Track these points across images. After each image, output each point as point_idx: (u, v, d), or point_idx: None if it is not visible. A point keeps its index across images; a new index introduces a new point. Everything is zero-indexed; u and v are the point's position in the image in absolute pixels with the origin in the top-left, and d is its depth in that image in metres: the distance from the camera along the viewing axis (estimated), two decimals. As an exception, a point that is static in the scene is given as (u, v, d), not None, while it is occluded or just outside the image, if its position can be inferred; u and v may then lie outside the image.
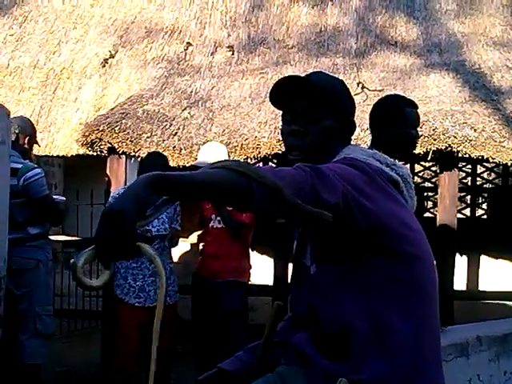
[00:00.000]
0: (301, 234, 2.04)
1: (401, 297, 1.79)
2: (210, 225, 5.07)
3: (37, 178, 4.61)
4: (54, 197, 5.02)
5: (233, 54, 7.53)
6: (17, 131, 4.66)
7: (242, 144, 5.89)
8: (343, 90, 2.07)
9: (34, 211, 4.62)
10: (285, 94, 1.99)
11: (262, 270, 7.22)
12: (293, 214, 1.66)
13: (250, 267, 5.22)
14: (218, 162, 1.67)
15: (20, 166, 4.55)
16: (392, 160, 1.93)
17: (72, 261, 1.59)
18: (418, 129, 5.66)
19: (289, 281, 6.49)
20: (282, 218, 4.81)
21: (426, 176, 11.79)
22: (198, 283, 5.13)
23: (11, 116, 4.57)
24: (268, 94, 2.04)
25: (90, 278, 1.66)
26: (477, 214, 11.33)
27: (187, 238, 6.30)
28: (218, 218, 5.03)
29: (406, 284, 1.80)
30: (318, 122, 1.95)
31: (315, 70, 2.14)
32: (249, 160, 5.71)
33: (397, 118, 3.37)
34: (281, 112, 2.06)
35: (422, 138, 5.66)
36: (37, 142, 5.19)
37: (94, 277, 1.62)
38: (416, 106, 3.56)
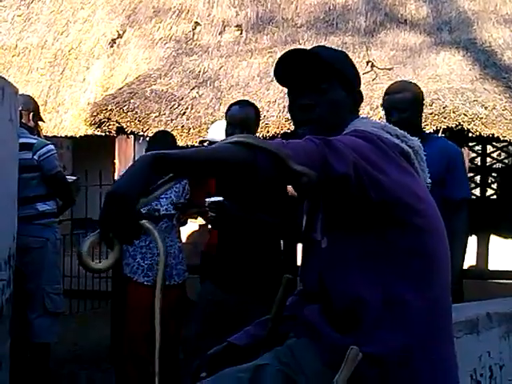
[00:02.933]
0: (310, 208, 2.03)
1: (413, 270, 1.78)
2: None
3: (51, 153, 4.66)
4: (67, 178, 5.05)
5: (241, 34, 7.49)
6: (19, 108, 4.65)
7: (250, 123, 5.87)
8: (347, 60, 2.06)
9: (47, 187, 4.65)
10: (289, 69, 1.97)
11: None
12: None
13: None
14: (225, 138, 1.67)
15: (34, 141, 4.60)
16: (402, 132, 1.91)
17: (78, 246, 1.61)
18: (429, 106, 5.68)
19: (298, 260, 6.44)
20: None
21: (435, 156, 11.72)
22: (208, 262, 5.11)
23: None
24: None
25: (99, 260, 1.68)
26: (487, 194, 11.29)
27: (196, 218, 6.28)
28: None
29: (419, 257, 1.78)
30: (326, 94, 1.94)
31: (317, 45, 2.13)
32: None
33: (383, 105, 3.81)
34: None
35: (432, 116, 5.64)
36: (41, 119, 5.20)
37: (103, 258, 1.64)
38: (393, 92, 3.68)
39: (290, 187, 6.22)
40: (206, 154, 1.61)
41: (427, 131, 5.63)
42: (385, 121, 3.69)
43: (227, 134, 3.69)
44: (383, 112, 3.87)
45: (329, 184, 1.65)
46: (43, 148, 4.61)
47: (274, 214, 3.55)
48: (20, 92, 4.65)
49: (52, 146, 4.73)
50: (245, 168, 1.59)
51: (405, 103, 3.59)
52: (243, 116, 3.70)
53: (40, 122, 5.27)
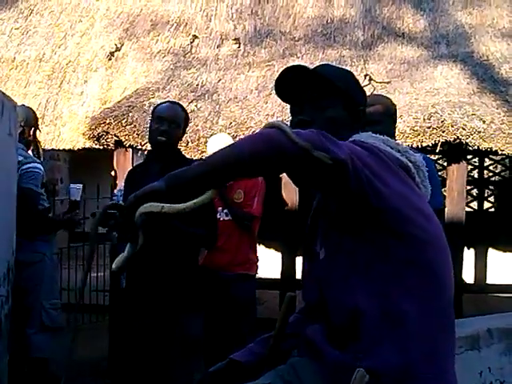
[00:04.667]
0: (312, 220, 2.02)
1: (413, 281, 1.76)
2: (217, 217, 5.01)
3: (32, 170, 4.46)
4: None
5: (239, 47, 7.50)
6: (22, 124, 4.61)
7: (249, 137, 5.87)
8: (350, 78, 2.05)
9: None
10: (289, 85, 1.98)
11: (268, 263, 7.20)
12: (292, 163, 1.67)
13: (258, 260, 5.19)
14: None
15: (21, 158, 4.46)
16: (404, 147, 1.91)
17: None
18: (427, 120, 5.70)
19: (296, 274, 6.41)
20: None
21: (433, 169, 11.73)
22: (206, 276, 5.09)
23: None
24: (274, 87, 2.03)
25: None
26: (484, 207, 11.29)
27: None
28: (225, 211, 4.98)
29: (419, 269, 1.77)
30: (324, 111, 1.94)
31: (322, 63, 2.13)
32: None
33: None
34: (288, 105, 2.06)
35: (430, 130, 5.65)
36: (39, 129, 5.10)
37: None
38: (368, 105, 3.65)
39: (285, 198, 6.23)
40: (211, 162, 1.69)
41: (425, 144, 5.65)
42: None
43: (153, 130, 3.62)
44: None
45: (327, 171, 1.65)
46: (28, 164, 4.46)
47: (201, 226, 3.51)
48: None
49: (38, 165, 4.54)
50: (237, 161, 1.65)
51: (375, 116, 3.58)
52: (171, 112, 3.67)
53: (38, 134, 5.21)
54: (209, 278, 5.04)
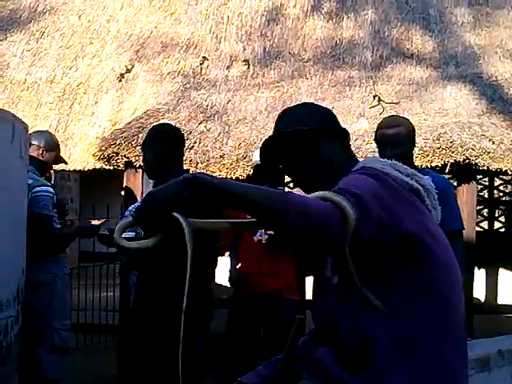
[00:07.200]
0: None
1: (425, 307, 1.77)
2: (256, 238, 4.94)
3: (43, 194, 4.47)
4: None
5: (248, 68, 7.54)
6: (44, 149, 4.70)
7: (258, 157, 5.89)
8: (312, 110, 2.10)
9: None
10: (271, 155, 2.04)
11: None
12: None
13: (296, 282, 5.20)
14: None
15: (31, 181, 4.44)
16: (413, 170, 1.92)
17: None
18: (437, 141, 5.70)
19: (306, 295, 6.35)
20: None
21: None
22: (246, 300, 5.04)
23: (30, 131, 4.60)
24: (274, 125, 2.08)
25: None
26: (494, 227, 11.24)
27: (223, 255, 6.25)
28: (266, 236, 4.91)
29: (430, 292, 1.78)
30: (317, 155, 1.98)
31: (282, 113, 2.13)
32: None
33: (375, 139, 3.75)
34: None
35: (439, 150, 5.65)
36: (63, 159, 5.20)
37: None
38: (387, 127, 3.65)
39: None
40: (242, 190, 1.63)
41: (434, 165, 5.65)
42: (377, 155, 3.70)
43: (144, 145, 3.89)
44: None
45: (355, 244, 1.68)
46: (38, 187, 4.46)
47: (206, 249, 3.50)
48: (29, 127, 4.67)
49: (48, 188, 4.56)
50: (275, 215, 1.60)
51: (399, 138, 3.60)
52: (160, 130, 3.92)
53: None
54: (256, 304, 5.00)
